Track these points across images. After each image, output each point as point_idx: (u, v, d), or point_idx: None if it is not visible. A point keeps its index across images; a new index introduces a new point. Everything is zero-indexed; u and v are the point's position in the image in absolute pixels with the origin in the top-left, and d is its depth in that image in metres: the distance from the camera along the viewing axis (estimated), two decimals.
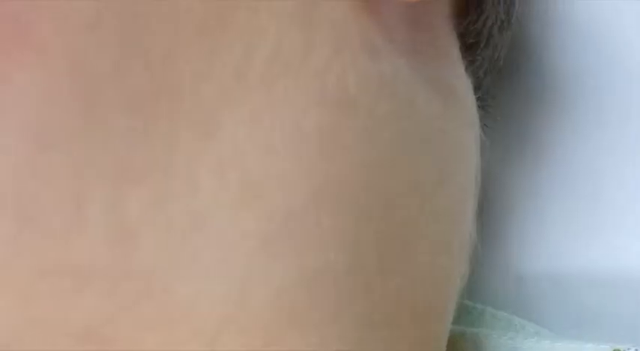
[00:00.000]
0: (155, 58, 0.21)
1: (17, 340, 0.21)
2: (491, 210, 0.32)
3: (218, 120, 0.22)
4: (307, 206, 0.23)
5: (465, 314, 0.31)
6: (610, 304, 0.32)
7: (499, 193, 0.33)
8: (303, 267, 0.23)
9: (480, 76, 0.30)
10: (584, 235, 0.33)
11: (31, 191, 0.20)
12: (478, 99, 0.28)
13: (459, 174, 0.27)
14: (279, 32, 0.22)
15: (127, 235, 0.21)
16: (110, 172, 0.21)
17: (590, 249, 0.33)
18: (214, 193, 0.22)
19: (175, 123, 0.21)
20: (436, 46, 0.27)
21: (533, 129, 0.33)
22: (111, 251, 0.21)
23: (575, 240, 0.33)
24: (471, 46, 0.29)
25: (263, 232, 0.22)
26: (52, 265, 0.21)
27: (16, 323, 0.21)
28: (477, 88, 0.29)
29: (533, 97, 0.33)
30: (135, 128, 0.21)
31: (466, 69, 0.28)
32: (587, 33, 0.33)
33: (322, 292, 0.23)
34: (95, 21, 0.21)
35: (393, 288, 0.25)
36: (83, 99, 0.21)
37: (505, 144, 0.33)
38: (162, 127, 0.21)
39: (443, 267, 0.26)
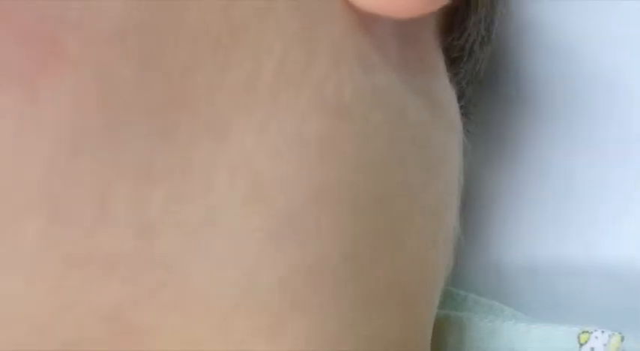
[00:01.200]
0: (174, 70, 0.21)
1: (51, 323, 0.21)
2: (473, 207, 0.32)
3: (229, 127, 0.22)
4: (308, 204, 0.23)
5: (449, 300, 0.31)
6: (579, 291, 0.32)
7: (480, 191, 0.33)
8: (304, 258, 0.23)
9: (462, 86, 0.30)
10: (556, 229, 0.33)
11: (61, 190, 0.20)
12: (461, 107, 0.28)
13: (445, 175, 0.27)
14: (284, 49, 0.22)
15: (148, 229, 0.21)
16: (133, 173, 0.21)
17: (562, 241, 0.33)
18: (226, 193, 0.22)
19: (191, 129, 0.21)
20: (424, 60, 0.27)
21: (511, 133, 0.33)
22: (134, 244, 0.21)
23: (548, 233, 0.33)
24: (454, 59, 0.29)
25: (268, 227, 0.22)
26: (81, 256, 0.21)
27: (49, 308, 0.21)
28: (460, 97, 0.28)
29: (511, 105, 0.33)
30: (155, 134, 0.21)
31: (450, 80, 0.28)
32: (559, 48, 0.33)
33: (321, 279, 0.23)
34: (120, 38, 0.21)
35: (384, 276, 0.25)
36: (109, 107, 0.21)
37: (485, 147, 0.33)
38: (180, 133, 0.21)
39: (430, 258, 0.26)
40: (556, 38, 0.33)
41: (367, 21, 0.24)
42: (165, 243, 0.21)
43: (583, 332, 0.28)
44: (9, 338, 0.21)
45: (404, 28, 0.26)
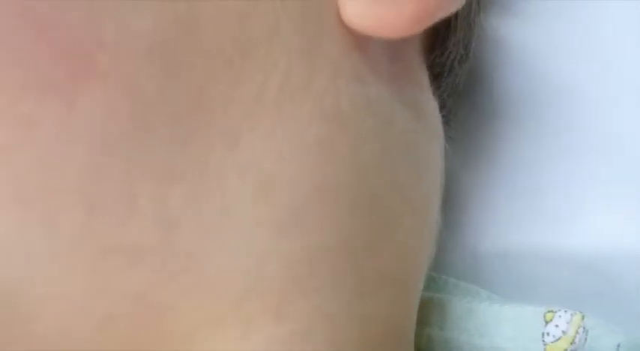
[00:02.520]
0: (192, 84, 0.21)
1: (87, 302, 0.21)
2: (453, 202, 0.32)
3: (240, 134, 0.22)
4: (310, 201, 0.23)
5: (432, 283, 0.31)
6: (545, 276, 0.32)
7: (459, 189, 0.33)
8: (306, 248, 0.23)
9: (444, 98, 0.30)
10: (525, 221, 0.33)
11: (95, 188, 0.20)
12: (443, 116, 0.28)
13: (429, 175, 0.27)
14: (288, 65, 0.22)
15: (171, 223, 0.21)
16: (156, 174, 0.21)
17: (530, 232, 0.32)
18: (237, 191, 0.22)
19: (207, 136, 0.22)
20: (410, 75, 0.27)
21: (486, 139, 0.33)
22: (158, 236, 0.21)
23: (518, 225, 0.33)
24: (437, 75, 0.29)
25: (275, 221, 0.22)
26: (113, 246, 0.21)
27: (85, 289, 0.21)
28: (441, 107, 0.28)
29: (486, 114, 0.33)
30: (175, 140, 0.21)
31: (434, 93, 0.28)
32: (527, 64, 0.33)
33: (321, 266, 0.23)
34: (147, 56, 0.21)
35: (377, 263, 0.25)
36: (136, 116, 0.21)
37: (464, 151, 0.33)
38: (197, 139, 0.21)
39: (415, 247, 0.26)
40: (524, 56, 0.33)
41: (361, 41, 0.24)
42: (185, 235, 0.21)
43: (548, 311, 0.28)
44: (53, 315, 0.21)
45: (393, 48, 0.26)
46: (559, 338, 0.28)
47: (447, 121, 0.29)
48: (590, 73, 0.33)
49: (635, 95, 0.32)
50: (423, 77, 0.28)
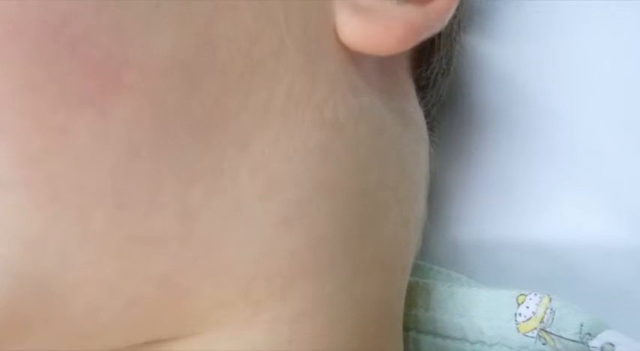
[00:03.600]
0: (209, 96, 0.21)
1: (116, 285, 0.21)
2: (436, 198, 0.32)
3: (252, 138, 0.22)
4: (311, 197, 0.23)
5: (418, 270, 0.31)
6: (517, 263, 0.32)
7: (442, 187, 0.33)
8: (308, 237, 0.23)
9: (429, 107, 0.29)
10: (499, 215, 0.32)
11: (123, 185, 0.20)
12: (427, 123, 0.28)
13: (415, 174, 0.27)
14: (292, 80, 0.23)
15: (190, 216, 0.21)
16: (177, 174, 0.21)
17: (503, 225, 0.32)
18: (248, 189, 0.22)
19: (223, 140, 0.22)
20: (399, 87, 0.27)
21: (464, 143, 0.33)
22: (179, 227, 0.21)
23: (493, 218, 0.32)
24: (422, 87, 0.29)
25: (281, 215, 0.22)
26: (139, 236, 0.21)
27: (114, 274, 0.21)
28: (426, 116, 0.28)
29: (465, 122, 0.33)
30: (194, 144, 0.21)
31: (419, 103, 0.28)
32: (501, 78, 0.33)
33: (321, 253, 0.23)
34: (168, 71, 0.21)
35: (369, 251, 0.25)
36: (159, 125, 0.21)
37: (446, 153, 0.33)
38: (214, 143, 0.22)
39: (403, 237, 0.26)
40: (499, 71, 0.33)
41: (356, 58, 0.24)
42: (203, 227, 0.21)
43: (520, 294, 0.28)
44: (86, 296, 0.21)
45: (384, 63, 0.26)
46: (529, 318, 0.28)
47: (431, 127, 0.29)
48: (555, 85, 0.33)
49: (595, 105, 0.32)
50: (410, 89, 0.28)
